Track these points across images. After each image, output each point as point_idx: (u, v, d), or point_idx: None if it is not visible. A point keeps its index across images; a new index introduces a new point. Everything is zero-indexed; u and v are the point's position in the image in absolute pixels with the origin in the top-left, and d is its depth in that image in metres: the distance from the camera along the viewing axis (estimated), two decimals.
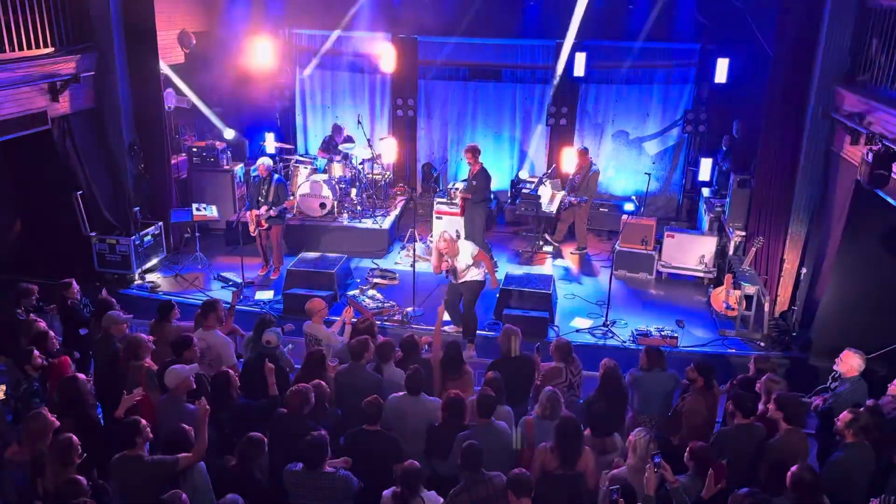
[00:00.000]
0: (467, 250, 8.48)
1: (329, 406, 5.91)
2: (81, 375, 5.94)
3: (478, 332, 8.96)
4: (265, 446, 5.15)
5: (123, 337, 6.67)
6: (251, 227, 10.59)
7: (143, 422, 5.13)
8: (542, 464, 5.19)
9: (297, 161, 12.91)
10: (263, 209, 10.39)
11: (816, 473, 4.77)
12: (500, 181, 13.89)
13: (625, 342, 9.23)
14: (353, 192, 12.50)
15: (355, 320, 7.21)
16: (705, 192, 12.29)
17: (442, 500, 4.89)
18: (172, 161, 11.62)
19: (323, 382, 5.87)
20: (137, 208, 10.80)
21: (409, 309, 9.64)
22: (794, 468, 4.68)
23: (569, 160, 12.35)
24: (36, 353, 6.16)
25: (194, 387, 5.78)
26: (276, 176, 10.69)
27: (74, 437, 4.95)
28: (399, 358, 6.59)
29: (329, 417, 5.79)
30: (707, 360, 6.90)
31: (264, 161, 10.68)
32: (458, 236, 9.04)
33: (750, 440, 5.53)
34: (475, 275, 8.55)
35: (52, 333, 6.82)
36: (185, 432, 5.08)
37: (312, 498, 5.01)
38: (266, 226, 10.54)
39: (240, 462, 5.08)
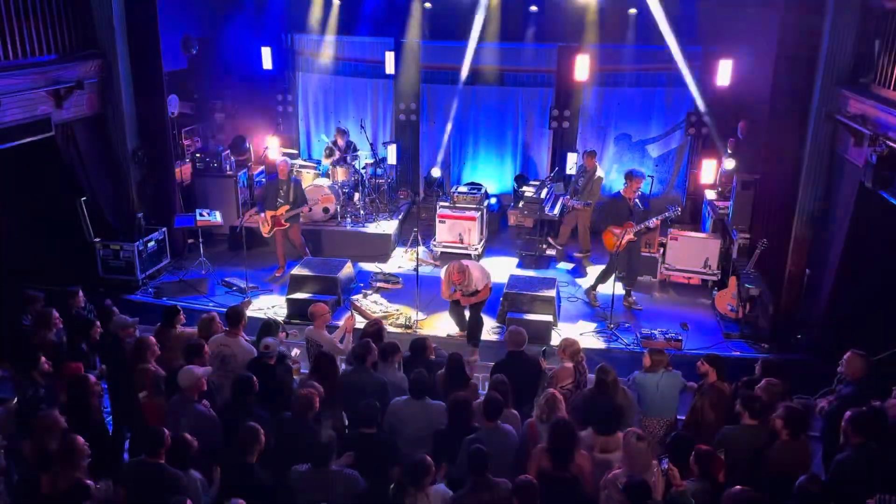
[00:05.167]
0: (481, 281, 8.52)
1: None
2: (93, 377, 5.94)
3: (482, 337, 8.96)
4: (261, 435, 5.14)
5: (132, 340, 6.69)
6: (264, 230, 10.59)
7: (166, 431, 5.11)
8: (538, 465, 5.19)
9: (301, 166, 12.94)
10: (282, 209, 10.40)
11: (822, 485, 4.74)
12: (502, 185, 13.94)
13: (629, 345, 9.23)
14: (357, 196, 12.52)
15: (366, 324, 7.21)
16: (709, 194, 12.28)
17: (451, 492, 4.89)
18: (176, 167, 11.64)
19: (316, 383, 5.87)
20: (141, 214, 10.82)
21: (413, 313, 9.65)
22: (801, 479, 4.66)
23: (572, 163, 12.36)
24: (43, 359, 6.17)
25: (205, 388, 5.79)
26: (292, 175, 10.79)
27: (81, 439, 4.94)
28: (407, 358, 6.60)
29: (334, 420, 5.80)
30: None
31: (286, 160, 10.78)
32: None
33: (754, 441, 5.51)
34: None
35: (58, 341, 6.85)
36: (187, 443, 5.08)
37: (320, 498, 5.00)
38: (287, 225, 10.58)
39: (238, 451, 5.12)
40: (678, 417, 6.65)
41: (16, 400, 6.21)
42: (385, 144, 13.40)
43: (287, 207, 10.45)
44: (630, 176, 10.00)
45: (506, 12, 12.49)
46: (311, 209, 10.75)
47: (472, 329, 8.85)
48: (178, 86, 12.28)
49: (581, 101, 13.08)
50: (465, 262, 8.60)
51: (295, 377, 6.76)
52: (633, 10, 12.10)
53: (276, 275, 11.00)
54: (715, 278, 10.82)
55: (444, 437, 5.57)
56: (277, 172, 10.82)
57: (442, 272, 8.68)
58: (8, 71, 8.64)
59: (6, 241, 10.73)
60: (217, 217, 11.14)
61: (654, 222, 9.99)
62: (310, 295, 9.74)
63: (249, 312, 9.44)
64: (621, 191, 10.12)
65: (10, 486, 5.44)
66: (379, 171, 13.01)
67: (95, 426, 5.55)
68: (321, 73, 13.87)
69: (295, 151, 13.88)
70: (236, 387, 5.78)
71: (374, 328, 6.94)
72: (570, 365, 6.50)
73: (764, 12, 10.43)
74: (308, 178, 12.57)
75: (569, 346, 6.63)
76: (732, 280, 9.80)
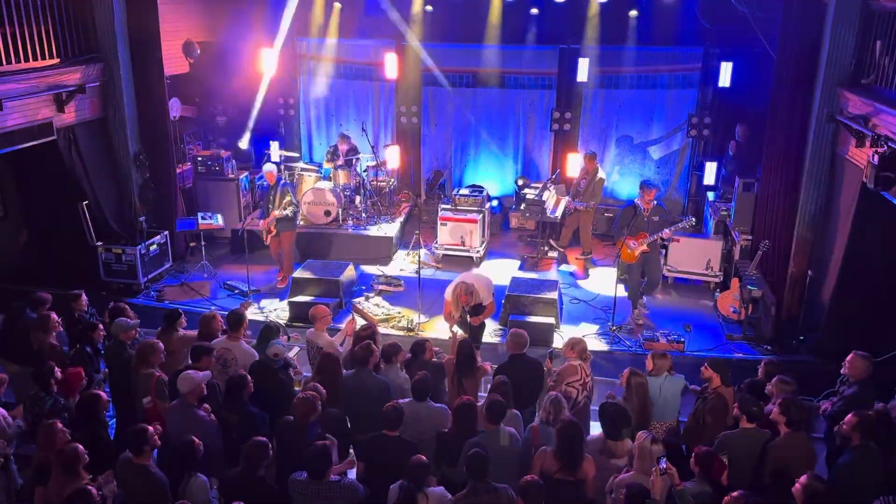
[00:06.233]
0: (487, 297, 8.43)
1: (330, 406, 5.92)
2: (103, 394, 5.93)
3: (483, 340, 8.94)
4: (269, 450, 5.15)
5: (134, 343, 6.69)
6: (265, 237, 10.66)
7: (150, 429, 5.14)
8: (542, 468, 5.18)
9: (303, 169, 12.95)
10: (272, 215, 10.43)
11: (826, 482, 4.73)
12: (504, 187, 13.94)
13: (631, 347, 9.21)
14: (358, 199, 12.52)
15: (359, 328, 7.21)
16: (710, 196, 12.27)
17: (450, 496, 4.88)
18: (178, 170, 11.65)
19: (319, 385, 5.87)
20: (143, 218, 10.83)
21: (415, 315, 9.64)
22: (804, 479, 4.64)
23: (573, 165, 12.35)
24: (56, 368, 6.18)
25: (206, 393, 5.79)
26: (282, 181, 10.76)
27: (80, 447, 4.94)
28: (407, 359, 6.60)
29: (330, 418, 5.78)
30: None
31: (270, 168, 10.75)
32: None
33: (754, 444, 5.50)
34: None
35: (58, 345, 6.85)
36: (193, 446, 5.08)
37: None
38: (275, 232, 10.57)
39: (246, 466, 5.09)
40: (680, 420, 6.64)
41: (22, 406, 6.22)
42: (386, 147, 13.41)
43: (273, 214, 10.48)
44: (642, 186, 9.78)
45: (507, 14, 12.50)
46: (282, 212, 10.51)
47: (473, 332, 8.82)
48: (179, 89, 12.30)
49: (582, 103, 13.08)
50: (467, 280, 8.21)
51: (297, 389, 6.71)
52: (633, 12, 12.11)
53: (278, 277, 11.01)
54: (717, 280, 10.81)
55: (448, 440, 5.56)
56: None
57: (448, 294, 8.39)
58: (10, 75, 8.66)
59: (8, 244, 10.78)
60: (219, 220, 11.16)
61: (666, 233, 9.81)
62: (311, 298, 9.74)
63: (250, 315, 9.46)
64: (636, 199, 9.90)
65: (11, 492, 5.44)
66: (380, 173, 13.02)
67: (100, 444, 5.55)
68: (322, 76, 13.87)
69: (297, 155, 13.88)
70: (230, 384, 5.83)
71: (368, 332, 6.92)
72: (576, 363, 6.48)
73: (765, 13, 10.42)
74: (309, 182, 12.57)
75: (577, 344, 6.60)
76: (734, 282, 9.78)
